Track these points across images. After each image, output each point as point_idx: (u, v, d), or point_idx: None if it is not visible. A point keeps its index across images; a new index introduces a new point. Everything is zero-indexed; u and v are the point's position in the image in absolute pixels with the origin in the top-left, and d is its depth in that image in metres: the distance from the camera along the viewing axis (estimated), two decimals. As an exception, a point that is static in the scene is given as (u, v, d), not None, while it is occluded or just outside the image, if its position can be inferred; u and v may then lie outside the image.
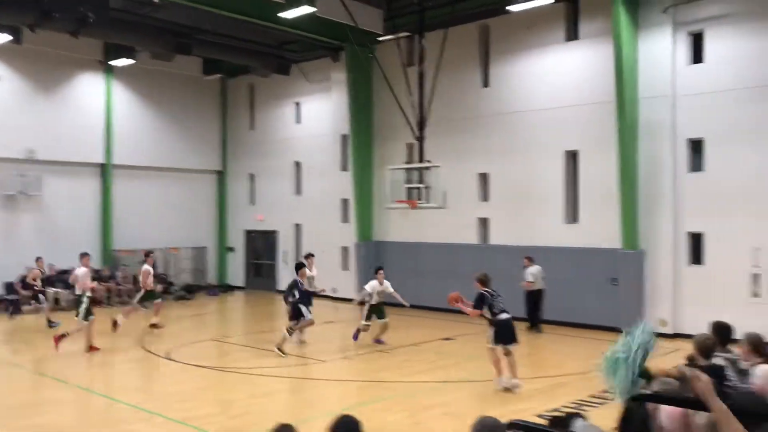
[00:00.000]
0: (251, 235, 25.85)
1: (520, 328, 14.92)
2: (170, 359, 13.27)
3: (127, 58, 21.03)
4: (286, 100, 24.22)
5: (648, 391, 3.47)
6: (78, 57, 21.71)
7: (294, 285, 14.16)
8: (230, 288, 25.61)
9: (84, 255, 14.69)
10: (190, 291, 23.46)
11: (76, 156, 22.25)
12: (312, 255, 15.92)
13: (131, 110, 23.71)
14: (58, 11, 16.81)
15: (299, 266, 14.36)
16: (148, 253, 16.92)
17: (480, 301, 10.61)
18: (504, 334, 10.51)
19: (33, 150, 21.01)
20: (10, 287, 19.67)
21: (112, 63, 21.87)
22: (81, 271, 14.32)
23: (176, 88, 24.59)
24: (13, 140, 20.59)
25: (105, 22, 17.81)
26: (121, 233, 22.92)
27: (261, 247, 25.55)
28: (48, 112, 21.61)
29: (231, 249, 26.30)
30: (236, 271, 26.18)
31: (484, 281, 10.77)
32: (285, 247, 24.29)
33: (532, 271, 16.33)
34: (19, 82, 21.15)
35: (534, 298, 16.34)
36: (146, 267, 16.29)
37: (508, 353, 10.58)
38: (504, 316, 10.60)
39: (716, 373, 5.34)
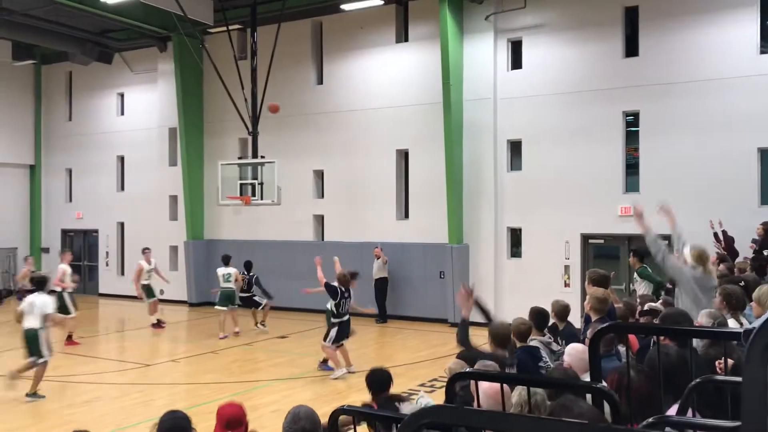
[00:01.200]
0: (69, 235, 24.04)
1: (370, 321, 15.31)
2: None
3: None
4: (107, 90, 22.75)
5: (469, 369, 3.66)
6: None
7: None
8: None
9: None
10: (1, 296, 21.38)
11: None
12: (148, 249, 16.76)
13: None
14: None
15: None
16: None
17: (332, 292, 11.27)
18: (342, 334, 11.22)
19: None
20: None
21: None
22: None
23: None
24: None
25: None
26: None
27: (80, 247, 23.84)
28: None
29: (46, 250, 24.28)
30: (52, 274, 24.16)
31: (342, 280, 11.36)
32: (107, 247, 22.85)
33: (379, 263, 16.94)
34: None
35: (381, 287, 16.86)
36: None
37: (340, 346, 11.25)
38: (346, 317, 11.32)
39: (532, 354, 5.75)
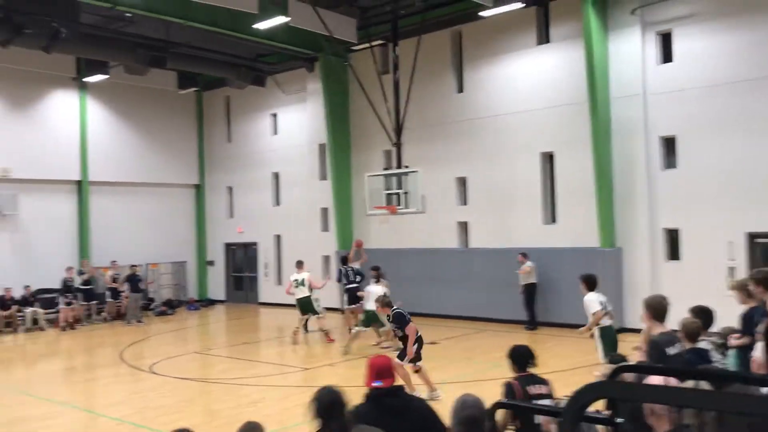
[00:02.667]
0: (231, 248, 25.75)
1: (519, 327, 15.09)
2: (154, 373, 13.18)
3: (101, 73, 20.89)
4: (262, 111, 24.24)
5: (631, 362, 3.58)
6: (51, 74, 21.55)
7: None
8: (211, 302, 25.45)
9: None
10: (171, 306, 23.28)
11: (52, 173, 22.03)
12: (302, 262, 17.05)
13: (106, 126, 23.55)
14: (29, 27, 16.69)
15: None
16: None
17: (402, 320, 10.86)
18: (419, 353, 10.77)
19: (8, 169, 20.79)
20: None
21: (86, 79, 21.71)
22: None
23: (151, 102, 24.48)
24: (-13, 159, 20.38)
25: (77, 38, 17.71)
26: (99, 250, 22.70)
27: (241, 259, 25.45)
28: (22, 130, 21.39)
29: (211, 263, 26.15)
30: (217, 285, 26.03)
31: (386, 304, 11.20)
32: (266, 258, 24.22)
33: (528, 266, 16.68)
34: (-10, 101, 20.95)
35: (530, 293, 16.60)
36: None
37: (418, 369, 10.69)
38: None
39: (701, 356, 5.47)
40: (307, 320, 16.45)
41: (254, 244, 24.62)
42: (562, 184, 17.12)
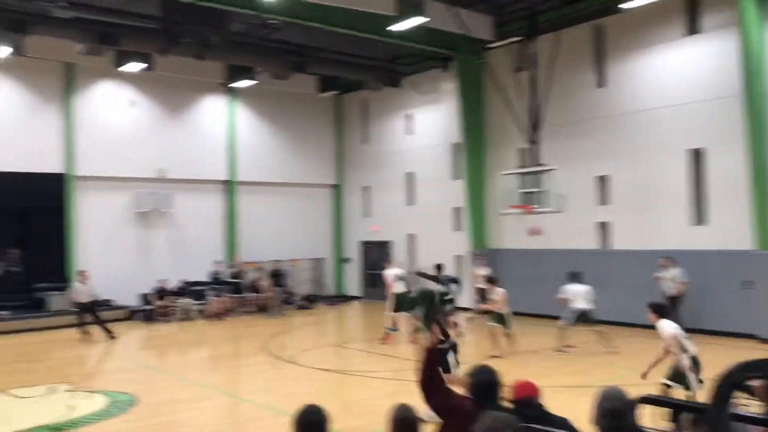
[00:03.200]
0: (366, 246, 26.34)
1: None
2: (294, 363, 13.75)
3: (248, 79, 22.07)
4: (397, 112, 24.62)
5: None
6: (203, 80, 23.06)
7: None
8: (348, 298, 26.17)
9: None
10: (310, 300, 24.18)
11: (203, 174, 23.61)
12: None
13: (252, 129, 24.92)
14: (183, 37, 17.97)
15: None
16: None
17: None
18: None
19: (164, 169, 22.47)
20: (145, 298, 20.99)
21: (234, 85, 23.03)
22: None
23: (293, 106, 25.58)
24: (146, 161, 22.14)
25: (226, 46, 18.85)
26: (245, 246, 24.04)
27: (376, 257, 25.97)
28: (176, 133, 23.09)
29: (347, 260, 26.89)
30: (353, 282, 26.73)
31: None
32: (399, 257, 24.56)
33: (674, 274, 15.62)
34: (150, 107, 22.73)
35: (676, 303, 15.65)
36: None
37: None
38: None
39: None
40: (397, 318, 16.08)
41: (388, 242, 25.03)
42: (712, 182, 16.08)
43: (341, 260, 27.05)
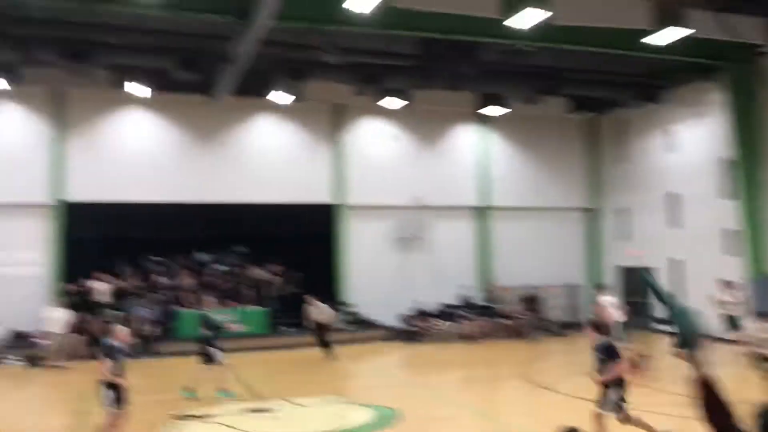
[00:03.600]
0: (623, 272, 25.05)
1: None
2: (552, 390, 13.55)
3: (498, 105, 22.41)
4: (655, 129, 23.28)
5: None
6: (456, 110, 23.97)
7: None
8: (604, 326, 25.03)
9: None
10: (564, 328, 23.61)
11: (456, 200, 24.46)
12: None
13: (503, 155, 25.31)
14: (438, 71, 18.89)
15: None
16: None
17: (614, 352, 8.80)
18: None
19: (421, 197, 23.69)
20: (405, 319, 22.13)
21: (485, 112, 23.54)
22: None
23: (543, 129, 25.47)
24: (405, 190, 23.56)
25: (479, 75, 19.42)
26: (497, 270, 24.31)
27: (634, 284, 24.55)
28: (432, 162, 24.28)
29: (602, 286, 25.75)
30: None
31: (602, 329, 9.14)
32: (661, 283, 22.97)
33: None
34: (409, 139, 24.20)
35: None
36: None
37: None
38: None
39: None
40: None
41: (648, 268, 23.55)
42: None
43: (596, 286, 26.00)
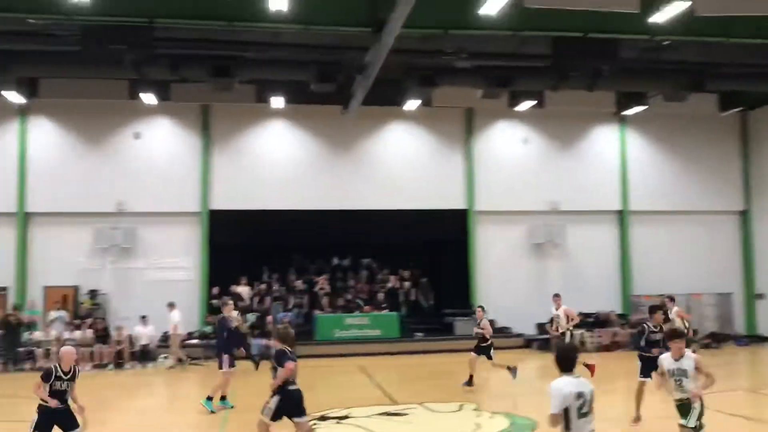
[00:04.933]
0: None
1: None
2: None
3: (639, 105, 21.33)
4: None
5: None
6: (592, 111, 23.09)
7: None
8: (762, 339, 23.11)
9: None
10: (716, 339, 22.01)
11: (594, 204, 23.52)
12: None
13: (645, 156, 24.09)
14: (574, 71, 18.24)
15: None
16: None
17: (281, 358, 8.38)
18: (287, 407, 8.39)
19: (555, 202, 23.00)
20: (541, 328, 21.51)
21: (625, 112, 22.48)
22: None
23: (689, 128, 23.98)
24: (538, 194, 23.01)
25: (617, 74, 18.57)
26: (639, 278, 23.10)
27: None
28: (567, 165, 23.52)
29: (761, 296, 23.83)
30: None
31: (284, 338, 8.65)
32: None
33: None
34: (541, 141, 23.59)
35: None
36: None
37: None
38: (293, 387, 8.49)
39: None
40: None
41: (814, 276, 21.53)
42: None
43: (753, 296, 24.06)
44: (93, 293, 20.74)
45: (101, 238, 21.08)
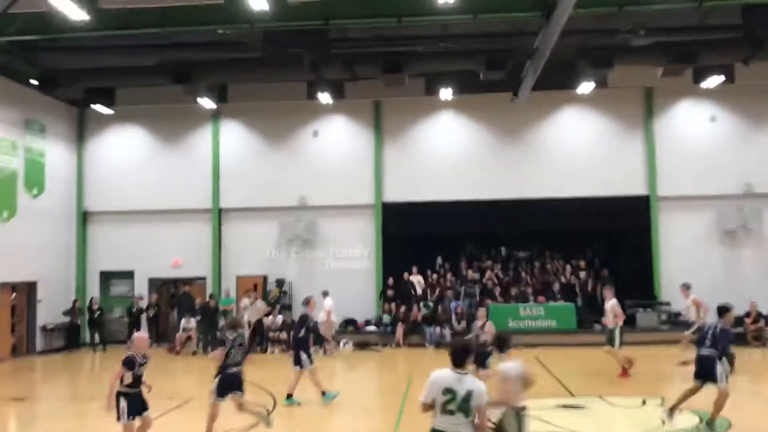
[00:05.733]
0: None
1: None
2: None
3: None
4: None
5: None
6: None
7: None
8: None
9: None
10: None
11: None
12: None
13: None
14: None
15: None
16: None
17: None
18: (226, 387, 9.53)
19: (749, 184, 21.13)
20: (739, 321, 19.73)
21: None
22: None
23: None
24: (730, 176, 21.22)
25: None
26: None
27: None
28: (762, 145, 21.45)
29: None
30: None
31: (233, 326, 10.15)
32: None
33: None
34: (731, 120, 21.71)
35: None
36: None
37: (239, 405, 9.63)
38: (233, 370, 9.62)
39: None
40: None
41: None
42: None
43: None
44: (280, 282, 22.20)
45: (286, 230, 22.47)
